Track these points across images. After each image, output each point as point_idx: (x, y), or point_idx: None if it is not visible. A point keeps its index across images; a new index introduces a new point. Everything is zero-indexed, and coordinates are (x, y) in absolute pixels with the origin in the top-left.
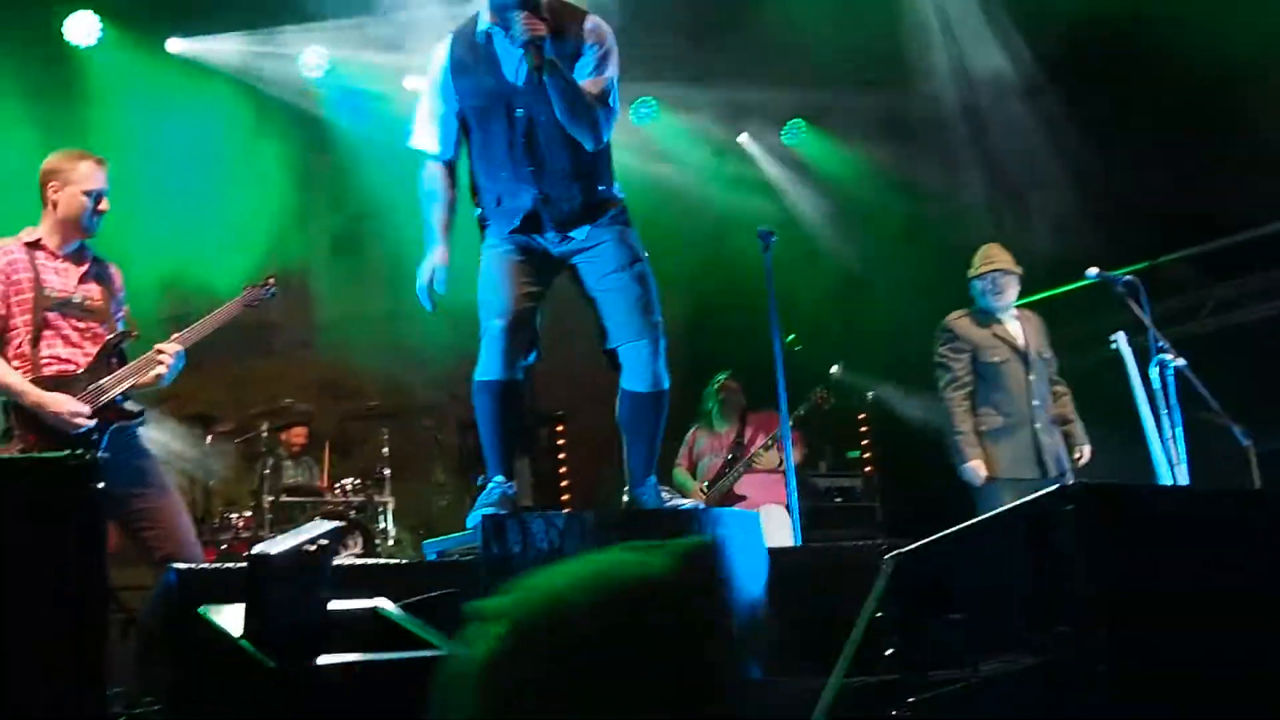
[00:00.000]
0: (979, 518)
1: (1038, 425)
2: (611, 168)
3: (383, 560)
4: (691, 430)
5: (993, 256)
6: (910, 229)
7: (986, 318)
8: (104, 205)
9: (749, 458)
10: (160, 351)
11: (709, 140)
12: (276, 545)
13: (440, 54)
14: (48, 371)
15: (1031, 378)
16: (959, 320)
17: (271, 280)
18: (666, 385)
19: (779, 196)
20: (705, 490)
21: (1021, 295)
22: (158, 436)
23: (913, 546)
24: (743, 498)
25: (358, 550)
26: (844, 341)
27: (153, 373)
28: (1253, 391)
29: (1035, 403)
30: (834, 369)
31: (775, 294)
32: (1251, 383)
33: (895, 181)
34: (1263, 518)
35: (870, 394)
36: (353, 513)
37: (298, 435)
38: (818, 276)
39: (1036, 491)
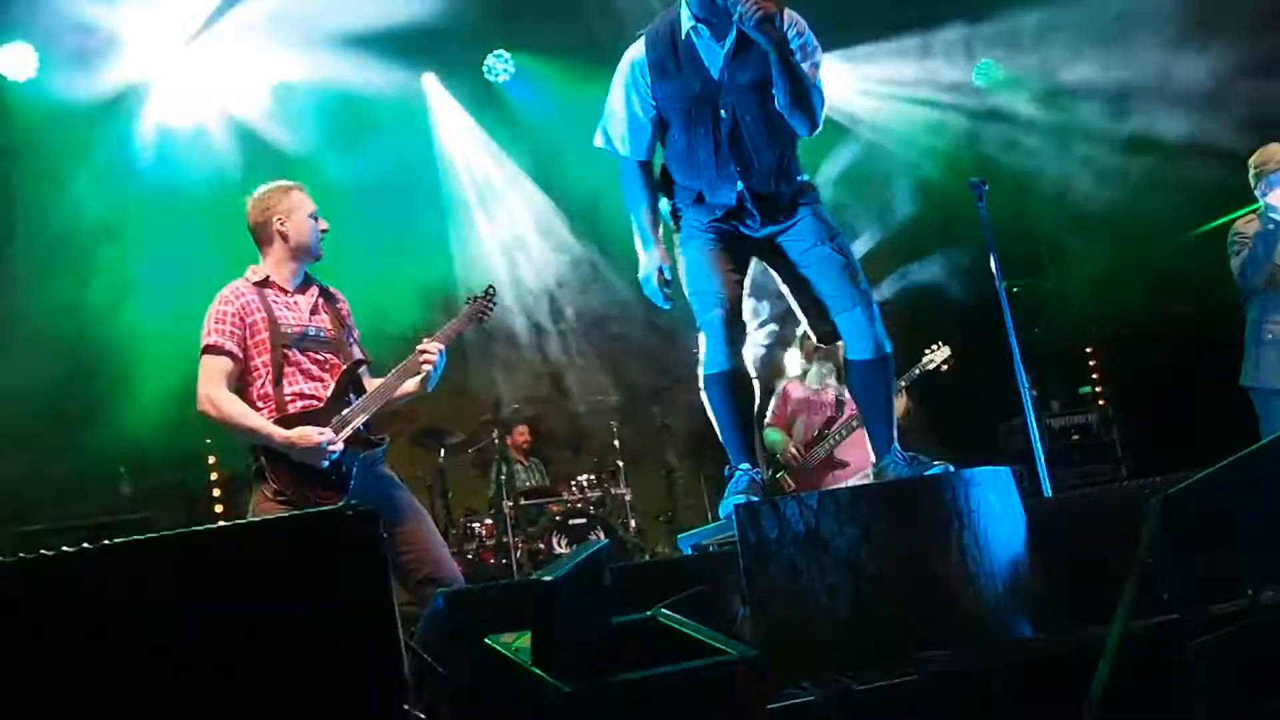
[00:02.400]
0: (1241, 452)
1: None
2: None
3: (631, 559)
4: (782, 385)
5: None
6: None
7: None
8: (324, 225)
9: (852, 419)
10: (424, 351)
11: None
12: (556, 569)
13: (635, 55)
14: (293, 409)
15: None
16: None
17: (492, 289)
18: (889, 349)
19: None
20: (800, 452)
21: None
22: None
23: (1180, 485)
24: (845, 464)
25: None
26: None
27: (420, 376)
28: None
29: None
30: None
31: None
32: None
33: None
34: None
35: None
36: (592, 509)
37: (522, 434)
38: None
39: None
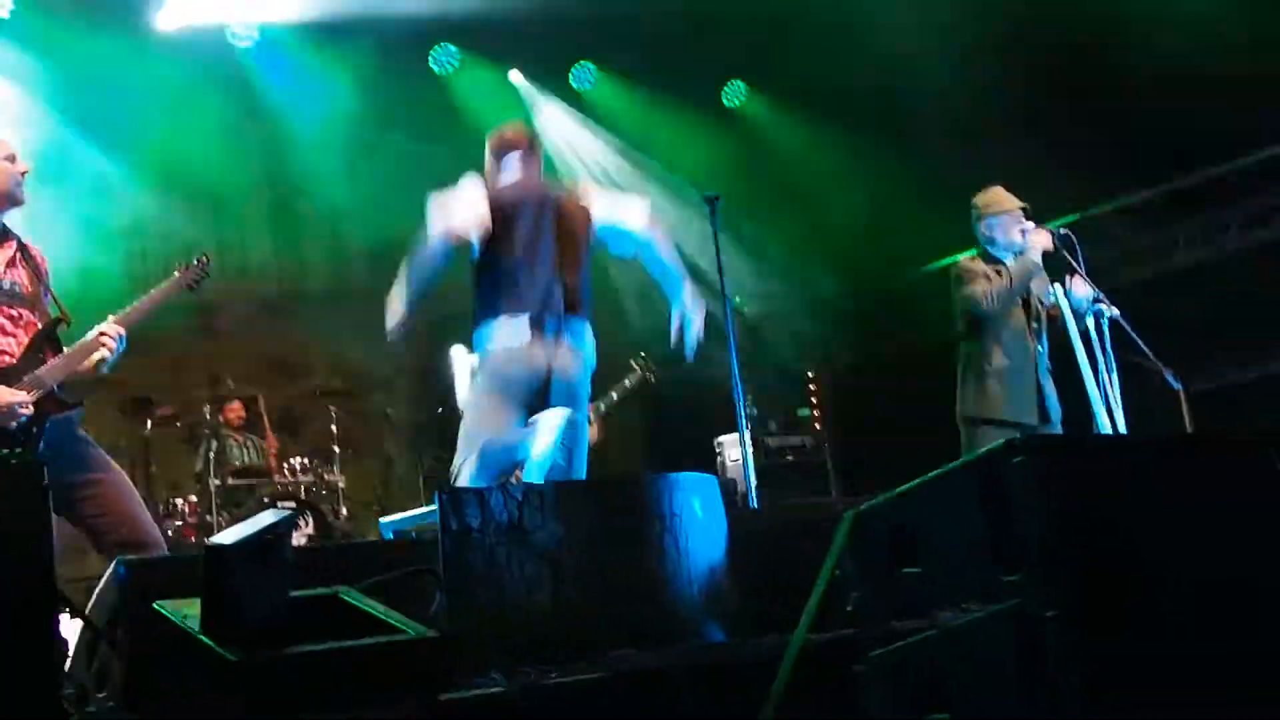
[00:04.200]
0: (932, 473)
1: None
2: None
3: (340, 542)
4: None
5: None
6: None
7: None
8: (25, 166)
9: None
10: (103, 334)
11: None
12: (231, 535)
13: None
14: None
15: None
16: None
17: (206, 258)
18: None
19: None
20: None
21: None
22: None
23: (870, 503)
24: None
25: (310, 531)
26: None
27: (95, 357)
28: (1181, 336)
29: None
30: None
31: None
32: (1179, 328)
33: None
34: (1203, 461)
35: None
36: (303, 492)
37: (235, 410)
38: None
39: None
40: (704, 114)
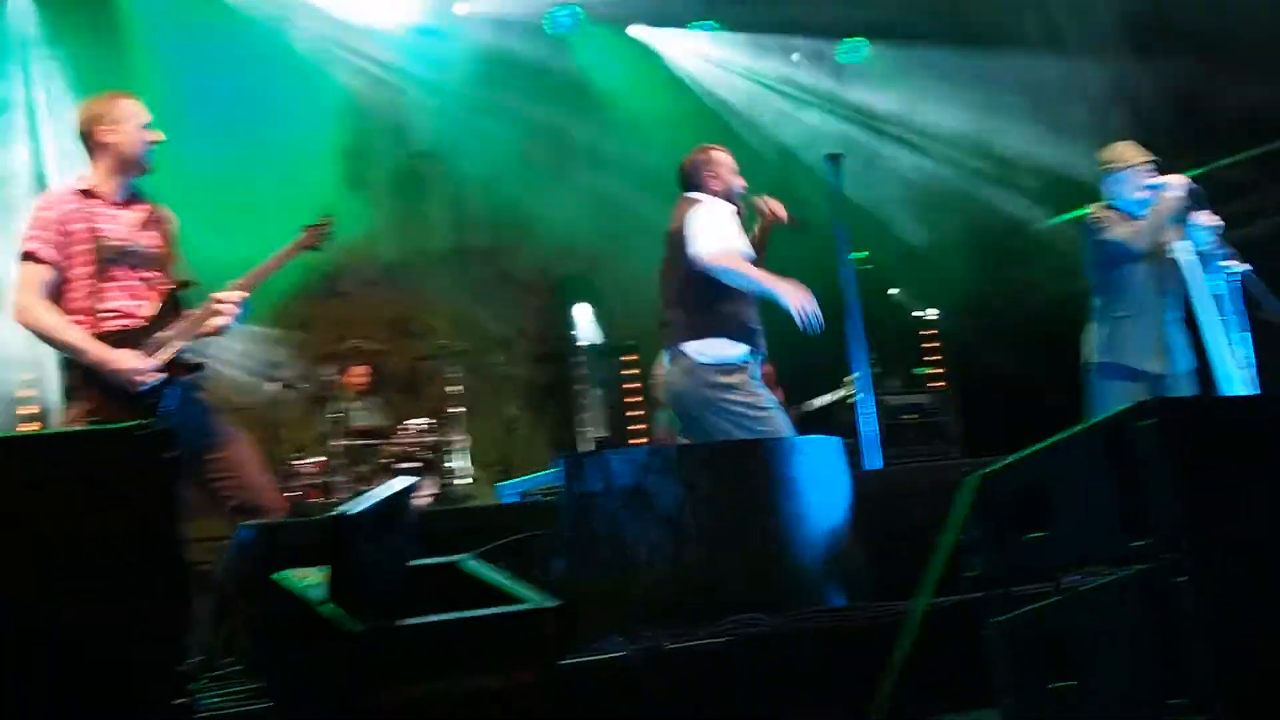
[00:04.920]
0: (1057, 435)
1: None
2: None
3: (462, 505)
4: None
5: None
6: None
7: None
8: (157, 135)
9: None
10: (219, 300)
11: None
12: (357, 505)
13: None
14: (109, 326)
15: None
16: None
17: (329, 220)
18: None
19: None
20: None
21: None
22: None
23: (994, 466)
24: None
25: (435, 491)
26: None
27: (215, 322)
28: None
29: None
30: (892, 291)
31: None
32: None
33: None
34: None
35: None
36: (426, 454)
37: (359, 375)
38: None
39: None
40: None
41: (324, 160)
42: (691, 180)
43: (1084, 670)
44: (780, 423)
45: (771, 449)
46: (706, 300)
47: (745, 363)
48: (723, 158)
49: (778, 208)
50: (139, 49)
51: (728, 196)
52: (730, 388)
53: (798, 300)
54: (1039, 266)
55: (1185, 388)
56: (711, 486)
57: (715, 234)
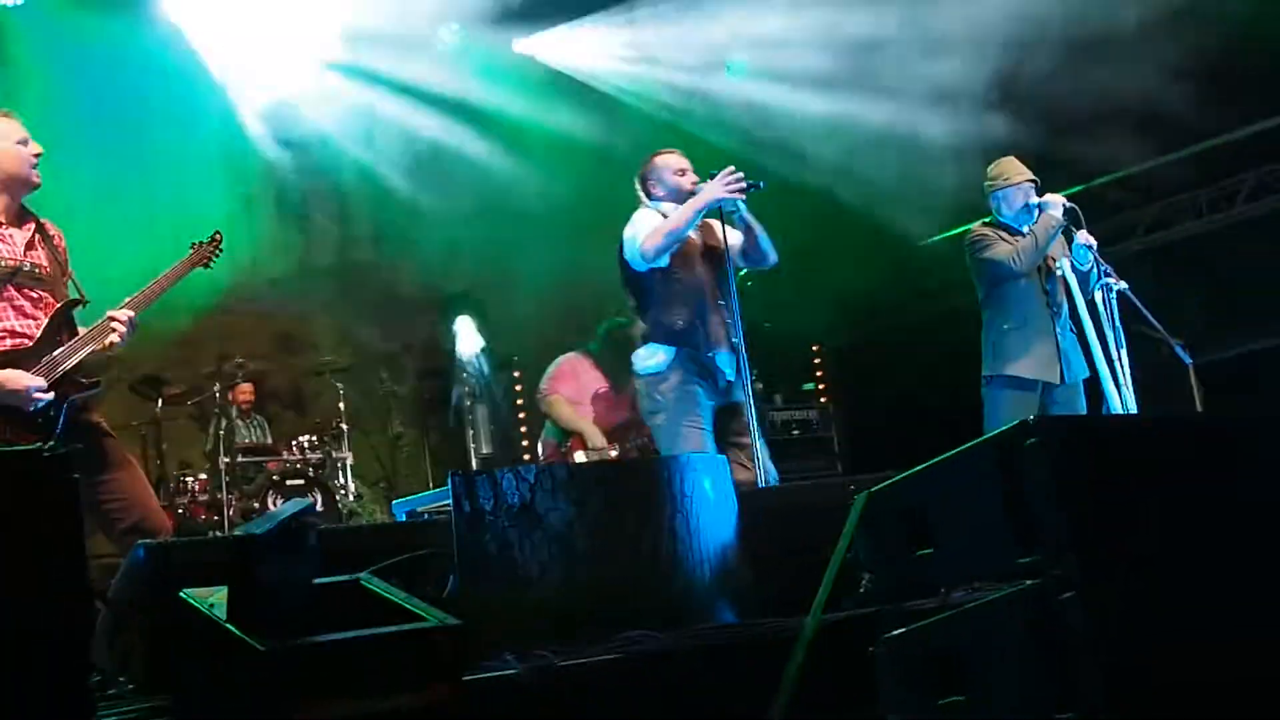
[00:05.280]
0: (946, 454)
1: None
2: None
3: (352, 524)
4: (568, 357)
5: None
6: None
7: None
8: (37, 148)
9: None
10: (113, 319)
11: None
12: (259, 524)
13: None
14: (2, 347)
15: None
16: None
17: (219, 235)
18: None
19: None
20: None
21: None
22: None
23: (883, 483)
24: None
25: (319, 508)
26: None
27: (108, 340)
28: (1185, 307)
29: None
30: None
31: None
32: (1184, 299)
33: None
34: (1221, 443)
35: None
36: (311, 470)
37: (245, 392)
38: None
39: None
40: None
41: (211, 175)
42: (640, 193)
43: (973, 686)
44: (692, 436)
45: (660, 466)
46: (641, 309)
47: (670, 370)
48: (664, 161)
49: (721, 183)
50: (23, 63)
51: (678, 199)
52: (654, 398)
53: (723, 186)
54: (926, 282)
55: (1078, 397)
56: (601, 504)
57: (638, 231)
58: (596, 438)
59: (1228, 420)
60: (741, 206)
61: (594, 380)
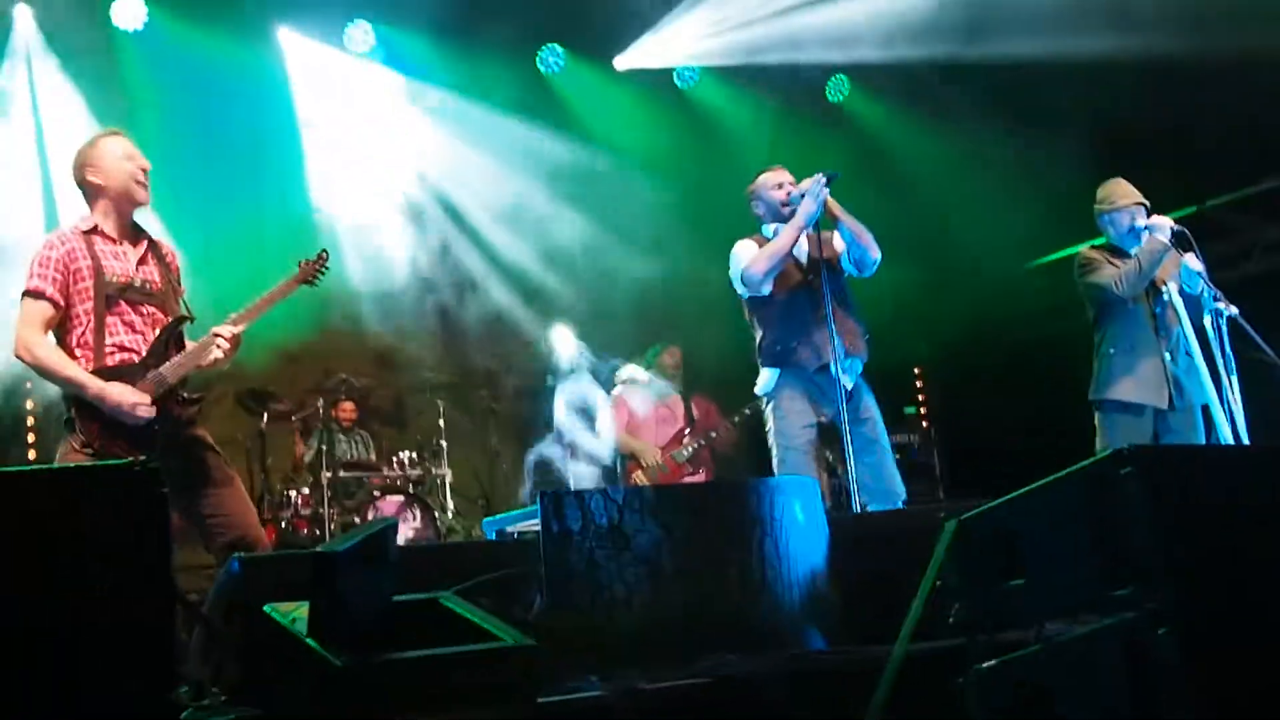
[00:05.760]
0: (1039, 481)
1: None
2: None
3: (443, 540)
4: (620, 392)
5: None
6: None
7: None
8: (145, 164)
9: (710, 434)
10: (218, 335)
11: None
12: (340, 542)
13: None
14: (110, 361)
15: None
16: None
17: (325, 254)
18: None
19: None
20: (657, 460)
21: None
22: None
23: (974, 510)
24: (702, 470)
25: (417, 525)
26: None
27: (212, 356)
28: None
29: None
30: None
31: None
32: None
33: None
34: None
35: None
36: (411, 486)
37: (347, 410)
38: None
39: None
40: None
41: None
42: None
43: None
44: (790, 458)
45: (749, 489)
46: (756, 332)
47: (776, 391)
48: (765, 180)
49: (808, 183)
50: (141, 86)
51: (777, 216)
52: (766, 421)
53: (811, 197)
54: (1025, 308)
55: (1195, 422)
56: (689, 527)
57: (740, 258)
58: (649, 454)
59: None
60: (836, 206)
61: (643, 405)
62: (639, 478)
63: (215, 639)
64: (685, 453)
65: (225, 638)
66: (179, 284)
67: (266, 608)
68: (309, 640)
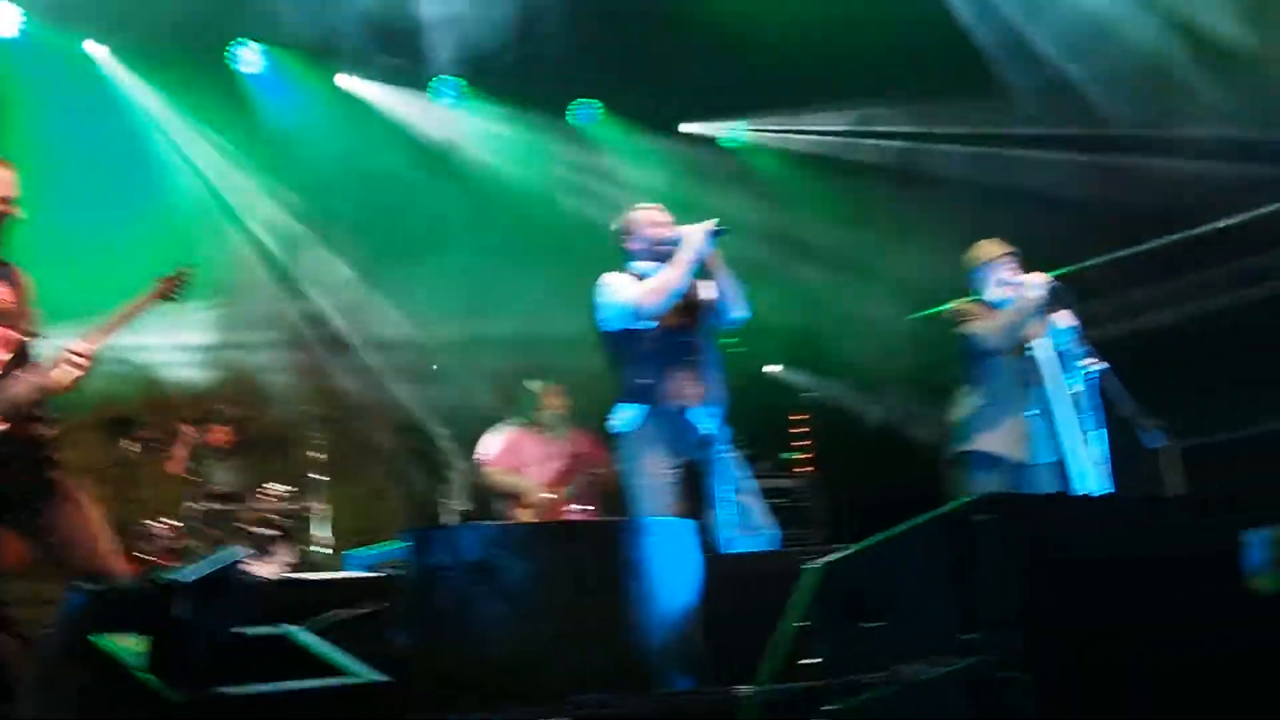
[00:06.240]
0: (899, 526)
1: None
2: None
3: (306, 575)
4: (507, 432)
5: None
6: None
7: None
8: (12, 210)
9: (596, 470)
10: (71, 352)
11: None
12: (185, 573)
13: None
14: None
15: None
16: None
17: (185, 270)
18: None
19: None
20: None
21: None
22: None
23: (837, 555)
24: (589, 507)
25: (290, 560)
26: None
27: (67, 376)
28: (1171, 392)
29: None
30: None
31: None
32: (1170, 383)
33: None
34: (1179, 523)
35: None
36: (282, 519)
37: (221, 435)
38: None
39: None
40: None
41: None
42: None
43: None
44: (654, 497)
45: (622, 528)
46: (615, 369)
47: (637, 428)
48: (641, 215)
49: (701, 228)
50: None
51: (653, 254)
52: (623, 458)
53: (697, 233)
54: (905, 358)
55: (1046, 479)
56: (559, 564)
57: (619, 292)
58: (533, 493)
59: (1175, 499)
60: (717, 258)
61: (529, 445)
62: (523, 515)
63: (51, 674)
64: (571, 489)
65: (61, 672)
66: (27, 304)
67: (104, 640)
68: (144, 674)
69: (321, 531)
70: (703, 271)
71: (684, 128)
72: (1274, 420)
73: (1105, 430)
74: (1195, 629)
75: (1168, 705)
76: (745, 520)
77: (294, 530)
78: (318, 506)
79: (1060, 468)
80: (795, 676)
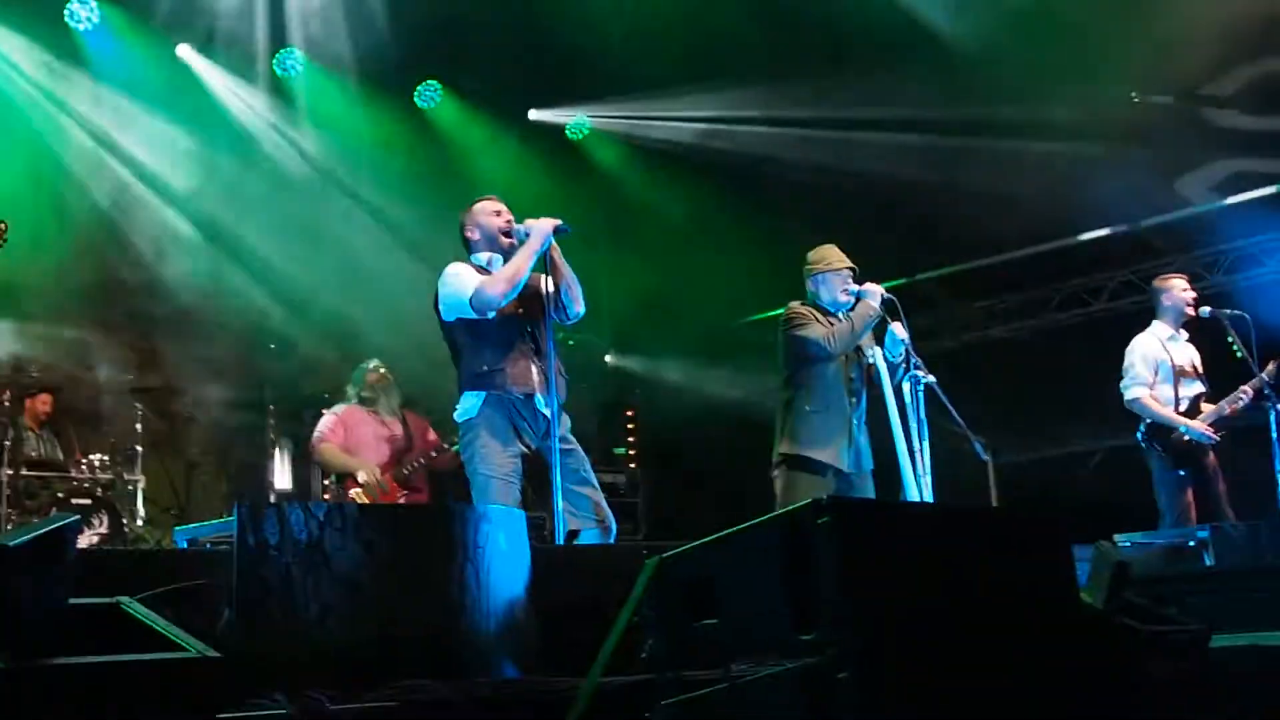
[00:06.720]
0: (739, 526)
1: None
2: None
3: (132, 547)
4: (338, 411)
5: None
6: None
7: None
8: None
9: (430, 454)
10: None
11: None
12: (14, 537)
13: None
14: None
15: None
16: None
17: (3, 224)
18: None
19: None
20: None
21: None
22: None
23: (675, 550)
24: (419, 490)
25: (104, 530)
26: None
27: None
28: (993, 407)
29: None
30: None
31: None
32: (993, 399)
33: None
34: (1004, 533)
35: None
36: (100, 491)
37: (43, 403)
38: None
39: None
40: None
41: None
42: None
43: None
44: (493, 486)
45: (453, 515)
46: (456, 359)
47: (478, 416)
48: (482, 206)
49: (548, 222)
50: None
51: (493, 245)
52: (464, 446)
53: (545, 227)
54: (736, 359)
55: (868, 487)
56: (391, 548)
57: (465, 283)
58: (366, 471)
59: (1005, 512)
60: (558, 254)
61: (363, 423)
62: (356, 495)
63: None
64: (404, 472)
65: None
66: None
67: None
68: None
69: (137, 504)
70: (543, 265)
71: (533, 115)
72: (1082, 441)
73: (929, 441)
74: (1016, 637)
75: (995, 708)
76: (583, 511)
77: (109, 501)
78: (133, 479)
79: (871, 479)
80: (628, 671)
